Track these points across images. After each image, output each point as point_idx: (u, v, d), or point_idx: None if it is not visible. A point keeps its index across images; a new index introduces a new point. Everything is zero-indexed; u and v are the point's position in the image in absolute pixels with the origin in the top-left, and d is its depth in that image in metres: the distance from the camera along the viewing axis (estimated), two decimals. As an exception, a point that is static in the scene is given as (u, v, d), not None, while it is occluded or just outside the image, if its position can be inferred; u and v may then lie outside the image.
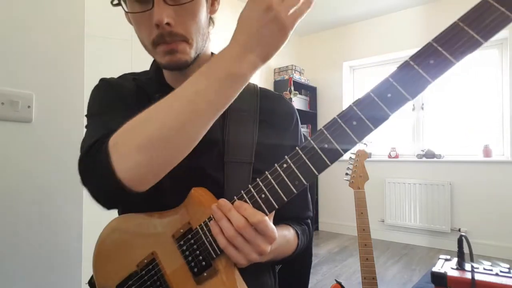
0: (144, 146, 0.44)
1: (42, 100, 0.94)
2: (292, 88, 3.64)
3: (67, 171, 0.99)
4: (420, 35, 3.56)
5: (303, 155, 0.43)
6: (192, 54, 0.56)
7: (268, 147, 0.61)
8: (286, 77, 3.84)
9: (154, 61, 0.67)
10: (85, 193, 1.06)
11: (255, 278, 0.59)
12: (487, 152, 3.24)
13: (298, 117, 0.69)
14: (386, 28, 3.80)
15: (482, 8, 0.35)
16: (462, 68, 3.52)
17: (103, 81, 0.67)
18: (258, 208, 0.46)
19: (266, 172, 0.46)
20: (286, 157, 0.45)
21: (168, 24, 0.51)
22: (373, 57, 3.94)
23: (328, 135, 0.43)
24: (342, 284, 1.53)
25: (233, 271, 0.49)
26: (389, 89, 0.41)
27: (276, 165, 0.45)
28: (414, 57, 0.38)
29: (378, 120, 0.41)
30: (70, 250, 1.00)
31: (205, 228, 0.49)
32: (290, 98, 3.58)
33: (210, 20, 0.61)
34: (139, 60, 1.65)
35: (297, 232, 0.62)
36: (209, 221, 0.49)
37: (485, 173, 3.17)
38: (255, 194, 0.46)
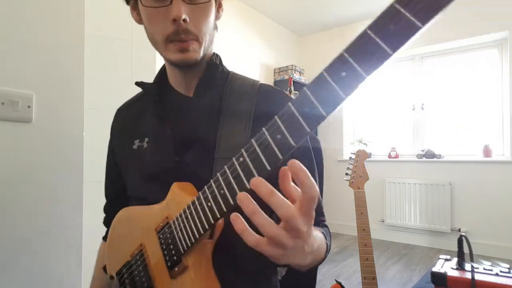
0: None
1: (42, 100, 0.94)
2: (292, 88, 3.64)
3: (67, 171, 0.99)
4: (420, 35, 3.56)
5: (256, 147, 0.37)
6: (201, 53, 0.59)
7: None
8: (286, 77, 3.84)
9: (162, 67, 0.70)
10: (85, 193, 1.06)
11: None
12: (487, 152, 3.24)
13: None
14: (386, 28, 3.80)
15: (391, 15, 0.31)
16: (462, 68, 3.52)
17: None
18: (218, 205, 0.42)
19: (225, 167, 0.40)
20: (242, 150, 0.39)
21: (184, 20, 0.53)
22: (373, 57, 3.94)
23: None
24: (342, 284, 1.53)
25: (200, 268, 0.47)
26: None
27: (233, 158, 0.40)
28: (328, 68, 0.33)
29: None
30: (70, 250, 1.00)
31: (176, 223, 0.49)
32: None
33: (215, 26, 0.64)
34: (139, 60, 1.65)
35: (322, 233, 0.56)
36: (179, 216, 0.48)
37: (485, 173, 3.17)
38: (215, 189, 0.41)
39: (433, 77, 3.67)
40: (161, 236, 0.52)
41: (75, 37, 1.01)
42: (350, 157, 1.50)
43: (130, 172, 0.66)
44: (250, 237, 0.36)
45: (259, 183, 0.35)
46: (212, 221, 0.42)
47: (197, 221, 0.44)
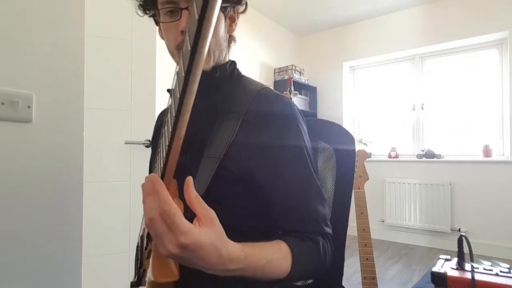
0: None
1: (42, 100, 0.94)
2: (292, 88, 3.64)
3: (67, 171, 0.99)
4: (420, 35, 3.56)
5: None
6: (211, 63, 0.64)
7: (246, 146, 0.61)
8: (286, 77, 3.84)
9: None
10: (85, 193, 1.06)
11: None
12: (487, 152, 3.24)
13: (296, 118, 0.65)
14: (386, 28, 3.80)
15: None
16: (462, 68, 3.52)
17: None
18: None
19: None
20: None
21: None
22: (373, 57, 3.94)
23: None
24: (342, 284, 1.53)
25: (155, 255, 0.49)
26: None
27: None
28: None
29: None
30: (70, 250, 1.00)
31: None
32: (290, 98, 3.58)
33: (231, 38, 0.72)
34: (139, 60, 1.65)
35: (292, 250, 0.55)
36: None
37: (485, 173, 3.17)
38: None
39: (433, 77, 3.67)
40: None
41: (75, 37, 1.01)
42: (350, 157, 1.50)
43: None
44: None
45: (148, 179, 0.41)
46: None
47: None
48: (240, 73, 0.72)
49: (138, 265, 0.67)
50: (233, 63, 0.71)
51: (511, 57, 3.16)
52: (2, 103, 0.86)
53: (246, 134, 0.62)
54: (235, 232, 0.51)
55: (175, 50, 0.64)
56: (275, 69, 4.01)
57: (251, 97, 0.65)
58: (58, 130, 0.98)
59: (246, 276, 0.49)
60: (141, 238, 0.68)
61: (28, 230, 0.91)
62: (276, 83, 3.94)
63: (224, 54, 0.68)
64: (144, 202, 0.41)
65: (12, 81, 0.89)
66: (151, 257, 0.50)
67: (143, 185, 0.42)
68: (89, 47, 1.10)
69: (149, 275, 0.49)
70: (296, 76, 3.90)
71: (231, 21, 0.71)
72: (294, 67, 3.95)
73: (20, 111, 0.89)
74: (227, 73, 0.68)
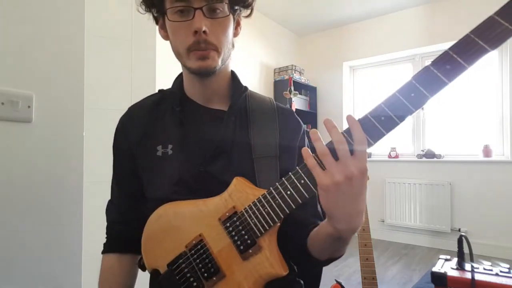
0: None
1: (42, 100, 0.94)
2: (292, 88, 3.64)
3: (67, 171, 0.99)
4: (420, 35, 3.56)
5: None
6: (219, 63, 0.65)
7: (289, 145, 0.70)
8: (286, 77, 3.84)
9: (177, 77, 0.76)
10: (85, 193, 1.06)
11: None
12: (487, 152, 3.24)
13: (304, 133, 0.76)
14: (386, 28, 3.80)
15: (490, 23, 0.42)
16: (462, 68, 3.52)
17: (119, 121, 0.78)
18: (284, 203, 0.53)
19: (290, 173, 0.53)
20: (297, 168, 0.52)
21: (204, 32, 0.60)
22: (373, 57, 3.94)
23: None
24: (342, 284, 1.53)
25: (275, 247, 0.56)
26: (413, 89, 0.49)
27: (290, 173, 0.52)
28: (433, 63, 0.45)
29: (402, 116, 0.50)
30: (70, 250, 1.00)
31: (250, 211, 0.56)
32: (290, 98, 3.58)
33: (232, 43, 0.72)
34: (139, 60, 1.65)
35: None
36: (253, 205, 0.56)
37: (485, 173, 3.17)
38: (295, 180, 0.52)
39: (433, 77, 3.67)
40: (228, 224, 0.58)
41: (75, 37, 1.01)
42: (350, 157, 1.50)
43: (155, 177, 0.69)
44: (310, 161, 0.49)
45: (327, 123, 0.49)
46: (294, 206, 0.52)
47: (276, 207, 0.53)
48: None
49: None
50: (235, 72, 0.77)
51: (511, 57, 3.16)
52: (2, 103, 0.86)
53: (284, 135, 0.70)
54: (305, 227, 0.63)
55: (184, 51, 0.63)
56: (275, 69, 4.01)
57: (272, 108, 0.73)
58: (58, 130, 0.98)
59: (347, 242, 0.55)
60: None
61: (28, 230, 0.91)
62: (276, 83, 3.94)
63: (228, 56, 0.69)
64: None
65: (12, 81, 0.89)
66: (266, 251, 0.55)
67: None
68: (89, 47, 1.10)
69: (271, 271, 0.55)
70: (296, 76, 3.90)
71: (237, 25, 0.72)
72: (294, 67, 3.95)
73: (20, 111, 0.89)
74: (239, 82, 0.75)
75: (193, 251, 0.60)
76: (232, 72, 0.76)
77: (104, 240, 0.79)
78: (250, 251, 0.56)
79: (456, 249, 0.98)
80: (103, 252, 0.77)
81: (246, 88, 0.75)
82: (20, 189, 0.90)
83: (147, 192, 0.70)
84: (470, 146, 3.41)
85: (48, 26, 0.96)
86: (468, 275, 0.87)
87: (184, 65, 0.67)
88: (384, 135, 0.49)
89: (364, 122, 0.49)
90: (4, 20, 0.88)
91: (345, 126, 0.49)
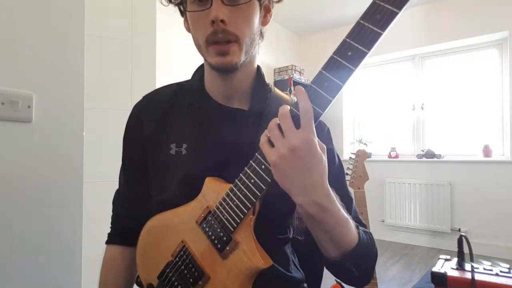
0: None
1: (42, 100, 0.94)
2: (292, 88, 3.64)
3: (67, 171, 0.99)
4: (420, 35, 3.56)
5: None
6: (242, 57, 0.59)
7: None
8: (286, 77, 3.84)
9: (198, 69, 0.71)
10: (85, 193, 1.06)
11: None
12: (487, 152, 3.24)
13: (328, 132, 0.75)
14: (386, 28, 3.80)
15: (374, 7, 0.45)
16: (462, 68, 3.52)
17: (133, 109, 0.73)
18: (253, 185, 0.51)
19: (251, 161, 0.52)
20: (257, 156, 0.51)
21: (222, 21, 0.55)
22: (373, 57, 3.94)
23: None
24: (342, 284, 1.53)
25: (252, 240, 0.53)
26: (349, 48, 0.50)
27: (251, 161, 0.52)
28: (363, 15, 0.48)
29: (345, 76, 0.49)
30: (70, 251, 1.00)
31: (220, 207, 0.55)
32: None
33: (261, 33, 0.66)
34: (139, 60, 1.65)
35: (355, 224, 0.56)
36: (223, 201, 0.54)
37: (485, 173, 3.17)
38: (256, 167, 0.51)
39: (433, 77, 3.67)
40: (204, 225, 0.57)
41: (75, 37, 1.01)
42: (350, 157, 1.50)
43: (164, 176, 0.65)
44: (262, 138, 0.49)
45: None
46: (259, 194, 0.50)
47: (243, 198, 0.52)
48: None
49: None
50: (260, 68, 0.71)
51: (511, 57, 3.16)
52: (2, 103, 0.86)
53: None
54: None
55: (204, 43, 0.58)
56: (275, 69, 4.00)
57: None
58: (58, 130, 0.98)
59: (328, 225, 0.49)
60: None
61: (28, 230, 0.91)
62: (276, 83, 3.94)
63: (254, 48, 0.63)
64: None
65: (12, 81, 0.89)
66: (243, 246, 0.53)
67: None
68: (89, 47, 1.10)
69: (250, 265, 0.52)
70: (296, 76, 3.90)
71: (266, 12, 0.65)
72: (294, 67, 3.94)
73: (20, 111, 0.89)
74: (264, 81, 0.71)
75: (177, 258, 0.59)
76: (258, 68, 0.70)
77: (104, 240, 0.78)
78: (228, 248, 0.54)
79: (456, 249, 0.98)
80: (106, 243, 0.76)
81: (270, 88, 0.69)
82: (20, 189, 0.90)
83: (153, 191, 0.68)
84: (470, 146, 3.41)
85: (48, 26, 0.96)
86: (468, 275, 0.87)
87: (205, 59, 0.63)
88: (330, 101, 0.48)
89: (310, 92, 0.48)
90: (4, 20, 0.88)
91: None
